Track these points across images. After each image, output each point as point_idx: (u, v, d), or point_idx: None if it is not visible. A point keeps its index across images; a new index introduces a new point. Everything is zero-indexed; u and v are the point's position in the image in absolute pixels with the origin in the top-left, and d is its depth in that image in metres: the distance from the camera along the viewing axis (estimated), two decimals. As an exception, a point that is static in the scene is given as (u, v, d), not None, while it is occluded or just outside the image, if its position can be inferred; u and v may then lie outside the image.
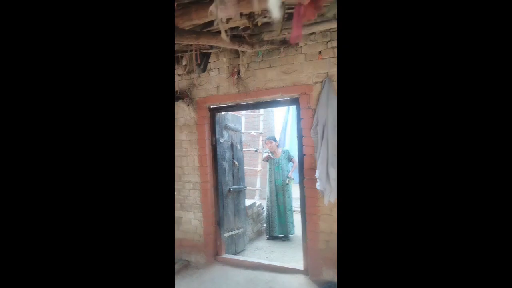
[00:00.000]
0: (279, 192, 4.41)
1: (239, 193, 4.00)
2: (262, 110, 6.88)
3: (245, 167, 4.29)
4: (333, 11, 2.04)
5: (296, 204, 4.42)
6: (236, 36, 2.47)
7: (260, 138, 6.59)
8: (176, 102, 3.42)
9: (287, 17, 2.14)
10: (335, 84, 2.70)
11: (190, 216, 3.57)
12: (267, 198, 4.51)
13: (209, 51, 3.00)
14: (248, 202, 4.48)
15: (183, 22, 1.94)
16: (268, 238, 4.50)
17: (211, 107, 3.47)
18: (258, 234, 4.74)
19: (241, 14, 1.93)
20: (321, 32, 2.72)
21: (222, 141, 3.62)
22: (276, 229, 4.41)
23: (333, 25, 2.42)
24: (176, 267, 3.36)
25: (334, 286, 2.74)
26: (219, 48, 3.00)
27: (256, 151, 6.43)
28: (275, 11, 1.24)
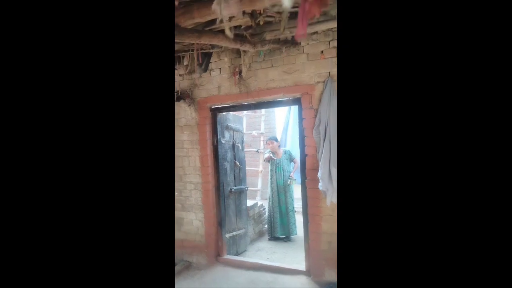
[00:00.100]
0: (280, 193, 4.39)
1: (241, 194, 3.98)
2: (263, 111, 6.86)
3: (246, 168, 4.27)
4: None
5: (297, 204, 4.40)
6: (238, 35, 2.45)
7: (262, 138, 6.58)
8: (177, 102, 3.41)
9: (290, 16, 2.13)
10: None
11: (191, 216, 3.56)
12: (269, 199, 4.49)
13: (211, 50, 2.99)
14: (249, 202, 4.46)
15: (185, 21, 1.93)
16: (269, 239, 4.48)
17: (213, 107, 3.46)
18: (260, 235, 4.72)
19: (244, 12, 1.91)
20: (323, 31, 2.70)
21: (223, 142, 3.61)
22: (277, 230, 4.39)
23: (335, 24, 2.40)
24: (178, 268, 3.35)
25: None
26: (221, 47, 2.99)
27: (257, 151, 6.41)
28: (286, 1, 1.23)
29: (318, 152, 2.76)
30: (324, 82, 2.76)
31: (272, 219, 4.42)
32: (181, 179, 3.58)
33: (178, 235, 3.61)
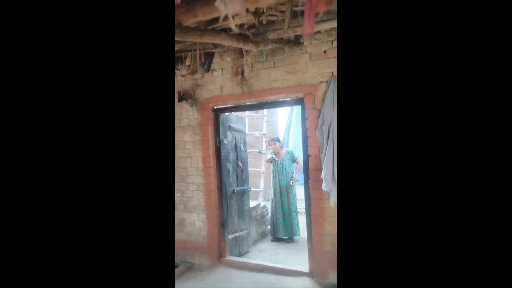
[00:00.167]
0: (283, 194, 4.38)
1: (243, 195, 3.96)
2: (265, 111, 6.86)
3: (248, 169, 4.25)
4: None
5: (300, 205, 4.38)
6: (240, 34, 2.44)
7: (264, 139, 6.57)
8: (179, 103, 3.40)
9: (293, 16, 2.11)
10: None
11: (193, 217, 3.54)
12: (271, 200, 4.47)
13: (213, 50, 2.98)
14: (252, 203, 4.44)
15: (187, 19, 1.92)
16: (272, 240, 4.45)
17: (215, 107, 3.45)
18: (262, 236, 4.70)
19: (247, 10, 1.90)
20: (326, 31, 2.68)
21: (226, 142, 3.59)
22: (280, 231, 4.36)
23: (338, 23, 2.38)
24: (180, 269, 3.33)
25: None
26: (223, 47, 2.98)
27: (259, 152, 6.41)
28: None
29: (321, 153, 2.73)
30: (327, 82, 2.74)
31: (274, 220, 4.40)
32: (183, 179, 3.56)
33: (180, 236, 3.59)
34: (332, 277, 2.80)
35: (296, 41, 2.78)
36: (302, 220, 3.94)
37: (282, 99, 3.12)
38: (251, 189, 4.37)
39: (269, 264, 3.32)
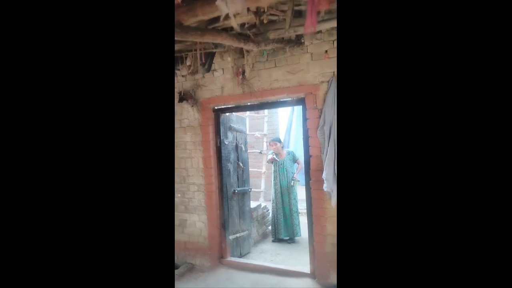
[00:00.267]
0: (284, 194, 4.36)
1: (244, 195, 3.95)
2: (266, 111, 6.85)
3: (249, 169, 4.24)
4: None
5: (301, 206, 4.37)
6: (241, 34, 2.43)
7: (265, 139, 6.56)
8: (180, 103, 3.38)
9: (295, 15, 2.10)
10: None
11: (194, 218, 3.53)
12: (272, 200, 4.46)
13: (214, 50, 2.97)
14: (252, 204, 4.42)
15: (188, 19, 1.91)
16: (273, 241, 4.44)
17: (216, 108, 3.44)
18: (263, 236, 4.68)
19: (248, 10, 1.89)
20: (327, 30, 2.67)
21: (226, 143, 3.58)
22: (281, 232, 4.35)
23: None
24: (181, 270, 3.32)
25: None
26: (224, 47, 2.97)
27: (260, 152, 6.40)
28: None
29: (323, 153, 2.72)
30: (328, 82, 2.72)
31: (275, 220, 4.39)
32: (184, 180, 3.55)
33: (181, 237, 3.58)
34: (334, 278, 2.78)
35: (297, 41, 2.77)
36: (303, 221, 3.93)
37: (283, 99, 3.11)
38: (252, 189, 4.36)
39: (270, 265, 3.31)
